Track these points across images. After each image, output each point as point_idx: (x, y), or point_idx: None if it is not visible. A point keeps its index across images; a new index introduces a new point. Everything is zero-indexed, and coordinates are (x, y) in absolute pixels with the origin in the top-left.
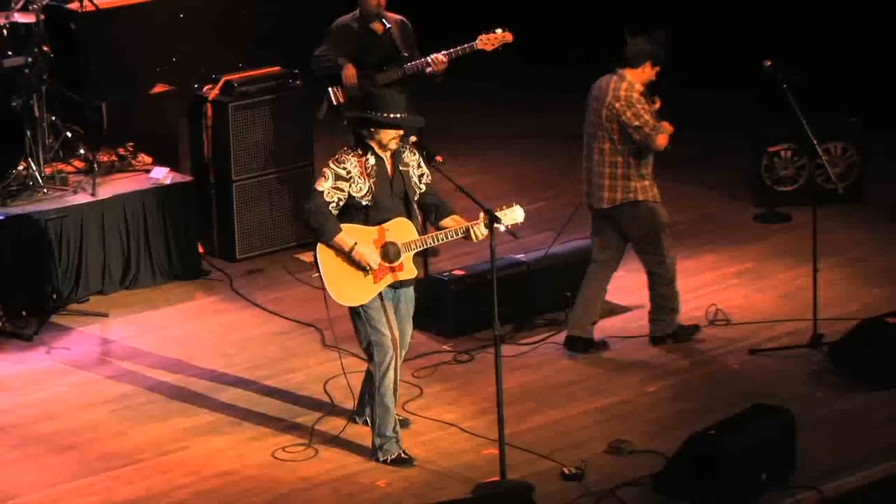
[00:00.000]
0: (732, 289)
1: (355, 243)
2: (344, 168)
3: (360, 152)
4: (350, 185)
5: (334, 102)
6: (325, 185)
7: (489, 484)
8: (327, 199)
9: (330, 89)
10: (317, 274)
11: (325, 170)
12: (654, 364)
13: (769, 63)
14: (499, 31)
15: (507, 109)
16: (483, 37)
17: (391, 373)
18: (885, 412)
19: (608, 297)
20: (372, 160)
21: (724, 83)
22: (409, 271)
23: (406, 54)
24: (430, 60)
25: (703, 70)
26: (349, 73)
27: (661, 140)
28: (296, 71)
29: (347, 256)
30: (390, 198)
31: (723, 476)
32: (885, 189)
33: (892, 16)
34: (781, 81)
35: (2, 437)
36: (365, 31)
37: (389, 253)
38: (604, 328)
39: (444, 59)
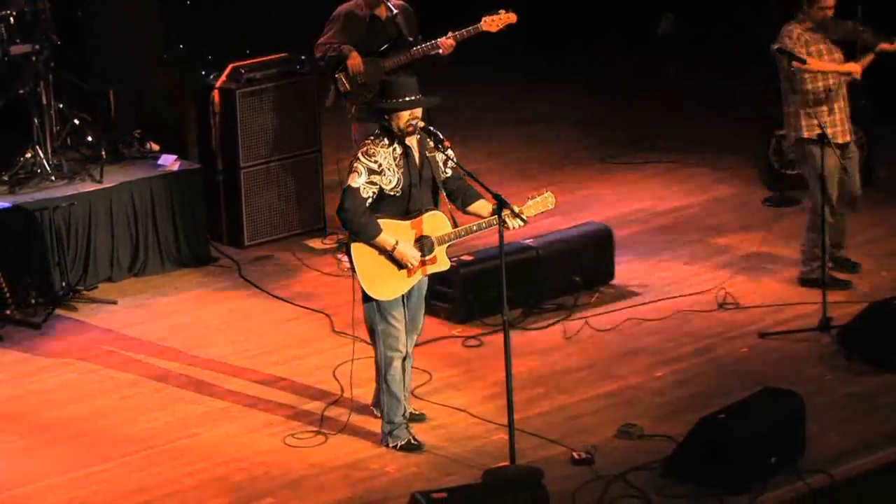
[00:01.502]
0: (742, 272)
1: (397, 242)
2: (375, 161)
3: (387, 142)
4: (381, 178)
5: (341, 90)
6: (359, 181)
7: (499, 469)
8: (364, 196)
9: (337, 77)
10: (347, 266)
11: (355, 164)
12: (663, 348)
13: (777, 46)
14: (502, 11)
15: (515, 94)
16: (487, 18)
17: (397, 363)
18: (894, 396)
19: (616, 282)
20: (399, 149)
21: (732, 68)
22: (443, 263)
23: (411, 39)
24: (438, 43)
25: (711, 54)
26: (355, 60)
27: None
28: (303, 57)
29: (387, 253)
30: (419, 186)
31: (732, 460)
32: (893, 172)
33: None
34: (789, 65)
35: (12, 425)
36: (370, 17)
37: (424, 247)
38: (613, 313)
39: (452, 42)
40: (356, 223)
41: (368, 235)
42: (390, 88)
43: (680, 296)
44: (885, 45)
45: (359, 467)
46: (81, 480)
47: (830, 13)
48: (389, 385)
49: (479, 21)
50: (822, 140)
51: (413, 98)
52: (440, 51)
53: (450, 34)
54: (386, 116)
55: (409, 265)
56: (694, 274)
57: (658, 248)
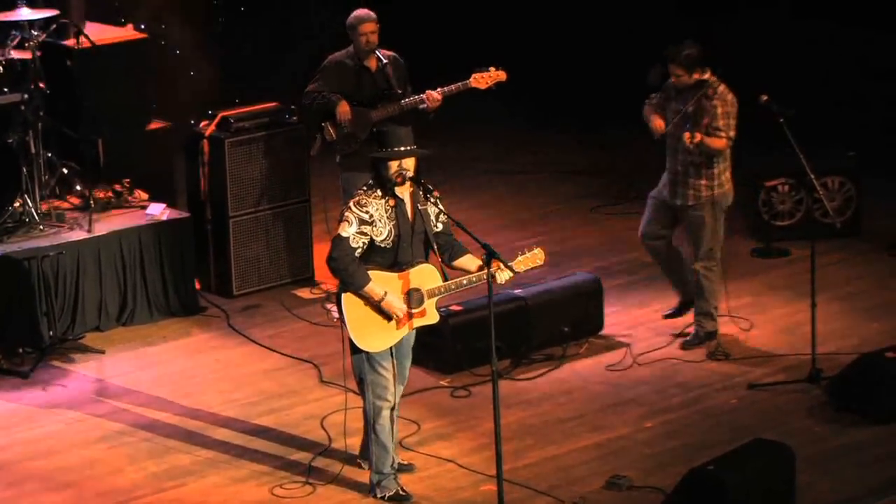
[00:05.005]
0: (730, 324)
1: (385, 293)
2: (366, 212)
3: (380, 193)
4: (372, 229)
5: (327, 138)
6: (349, 231)
7: None
8: (353, 246)
9: (323, 126)
10: (336, 316)
11: (347, 214)
12: (652, 399)
13: (765, 98)
14: (492, 69)
15: (503, 145)
16: (477, 74)
17: (386, 412)
18: (884, 447)
19: (605, 332)
20: (392, 201)
21: None
22: (432, 317)
23: (400, 91)
24: (424, 97)
25: None
26: (343, 109)
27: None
28: (292, 106)
29: (375, 305)
30: (410, 239)
31: None
32: (882, 223)
33: (887, 54)
34: (778, 116)
35: None
36: (359, 67)
37: (413, 300)
38: (601, 363)
39: (439, 97)
40: (345, 272)
41: (357, 285)
42: (382, 137)
43: (669, 346)
44: (686, 135)
45: None
46: None
47: (673, 80)
48: (378, 435)
49: (469, 77)
50: None
51: (404, 149)
52: (424, 105)
53: (438, 89)
54: (377, 167)
55: (395, 317)
56: (683, 324)
57: (647, 299)
